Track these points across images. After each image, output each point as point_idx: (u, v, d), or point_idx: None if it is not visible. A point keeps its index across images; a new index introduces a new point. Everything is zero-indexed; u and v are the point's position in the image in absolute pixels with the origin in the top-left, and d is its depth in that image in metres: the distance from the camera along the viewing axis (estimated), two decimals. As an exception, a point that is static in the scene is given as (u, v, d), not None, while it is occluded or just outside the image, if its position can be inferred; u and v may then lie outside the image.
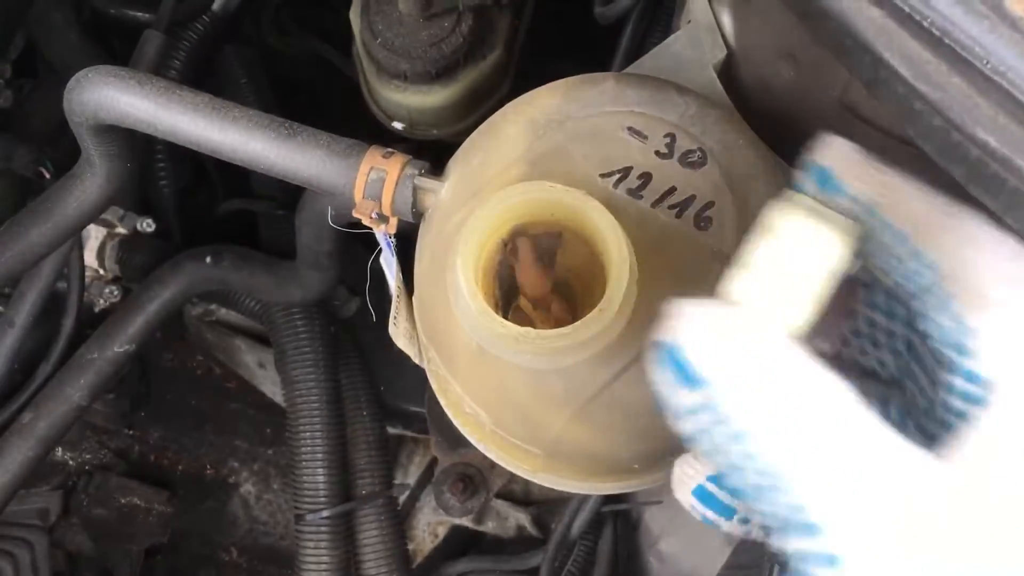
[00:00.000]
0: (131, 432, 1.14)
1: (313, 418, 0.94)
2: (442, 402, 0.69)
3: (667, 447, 0.56)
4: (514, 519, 1.00)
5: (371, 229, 0.69)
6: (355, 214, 0.58)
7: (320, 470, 0.94)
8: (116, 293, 1.03)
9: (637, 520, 0.94)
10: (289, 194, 1.00)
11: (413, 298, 0.64)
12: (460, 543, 1.07)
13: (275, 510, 1.15)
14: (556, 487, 0.70)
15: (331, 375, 0.96)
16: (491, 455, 0.70)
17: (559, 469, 0.65)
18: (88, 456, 1.11)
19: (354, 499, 0.95)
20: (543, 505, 1.02)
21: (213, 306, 1.12)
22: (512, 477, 1.00)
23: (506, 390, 0.56)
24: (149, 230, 1.03)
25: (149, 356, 1.15)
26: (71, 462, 1.11)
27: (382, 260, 0.79)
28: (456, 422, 0.69)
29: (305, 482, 0.94)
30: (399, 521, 0.98)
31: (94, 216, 0.68)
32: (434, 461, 1.07)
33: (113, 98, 0.58)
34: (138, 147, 0.67)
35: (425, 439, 1.08)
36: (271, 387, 1.12)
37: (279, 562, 1.15)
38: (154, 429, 1.15)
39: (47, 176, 0.87)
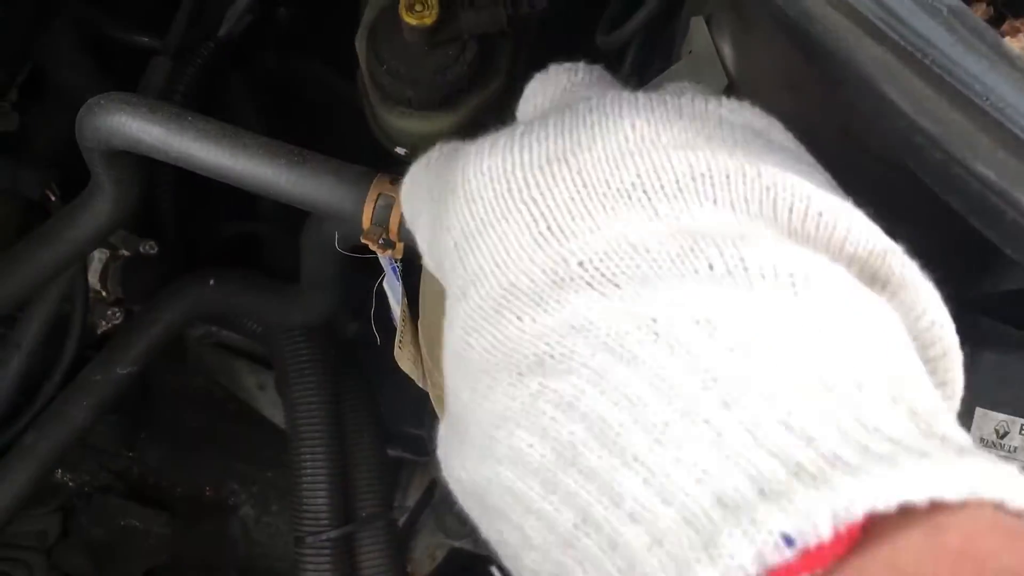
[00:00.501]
0: (131, 454, 1.14)
1: (314, 440, 0.94)
2: (446, 425, 0.70)
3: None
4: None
5: (376, 254, 0.70)
6: (363, 240, 0.59)
7: (321, 492, 0.94)
8: (119, 315, 1.04)
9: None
10: (292, 216, 1.01)
11: (418, 322, 0.65)
12: (459, 566, 1.08)
13: (274, 532, 1.15)
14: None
15: (332, 397, 0.96)
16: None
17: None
18: (87, 478, 1.11)
19: (354, 521, 0.96)
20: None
21: (214, 328, 1.13)
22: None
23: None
24: (152, 252, 1.04)
25: (149, 378, 1.15)
26: (71, 484, 1.11)
27: (386, 285, 0.79)
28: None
29: (306, 504, 0.94)
30: (399, 543, 0.98)
31: (102, 239, 0.69)
32: (433, 483, 1.08)
33: (125, 124, 0.59)
34: (146, 171, 0.68)
35: (425, 461, 1.09)
36: (271, 409, 1.12)
37: (277, 584, 1.15)
38: (154, 451, 1.15)
39: (53, 199, 0.88)
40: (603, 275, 0.27)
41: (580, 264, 0.28)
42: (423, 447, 1.05)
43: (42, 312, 0.81)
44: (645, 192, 0.29)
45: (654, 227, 0.28)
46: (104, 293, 1.05)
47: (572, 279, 0.28)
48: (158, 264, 1.04)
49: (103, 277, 1.04)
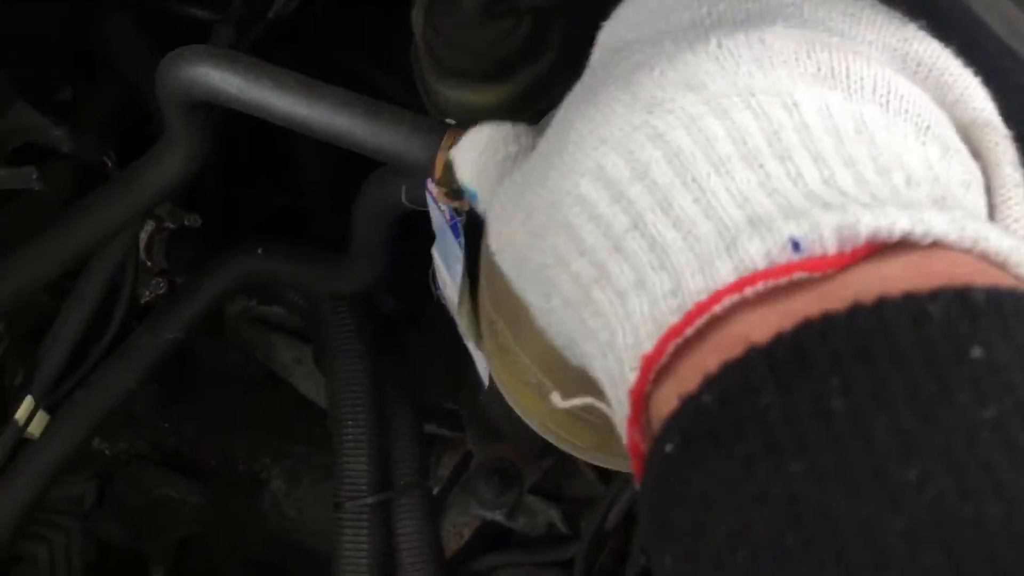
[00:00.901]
0: (167, 425, 1.16)
1: (356, 407, 0.96)
2: (500, 381, 0.72)
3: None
4: (545, 515, 1.03)
5: (434, 212, 0.73)
6: (434, 187, 0.62)
7: (362, 458, 0.96)
8: (162, 285, 1.05)
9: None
10: (336, 191, 1.03)
11: (481, 277, 0.67)
12: (486, 543, 1.09)
13: (304, 507, 1.16)
14: (607, 465, 0.72)
15: (374, 366, 0.98)
16: (547, 434, 0.72)
17: (615, 442, 0.68)
18: (124, 446, 1.13)
19: (392, 489, 0.98)
20: (574, 503, 1.04)
21: (252, 303, 1.15)
22: (545, 473, 1.02)
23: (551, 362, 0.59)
24: (196, 225, 1.06)
25: (187, 351, 1.17)
26: (107, 451, 1.12)
27: (436, 250, 0.82)
28: (514, 400, 0.72)
29: (346, 470, 0.96)
30: (434, 513, 1.00)
31: (171, 194, 0.72)
32: (463, 460, 1.09)
33: (207, 75, 0.62)
34: (217, 128, 0.70)
35: (455, 438, 1.10)
36: (306, 383, 1.14)
37: (307, 559, 1.17)
38: (189, 423, 1.17)
39: (110, 164, 0.90)
40: (730, 54, 0.32)
41: (718, 45, 0.33)
42: (457, 422, 1.07)
43: (104, 267, 0.83)
44: (803, 13, 0.34)
45: (791, 33, 0.33)
46: (148, 263, 1.07)
47: (707, 52, 0.33)
48: (202, 237, 1.06)
49: (148, 248, 1.07)
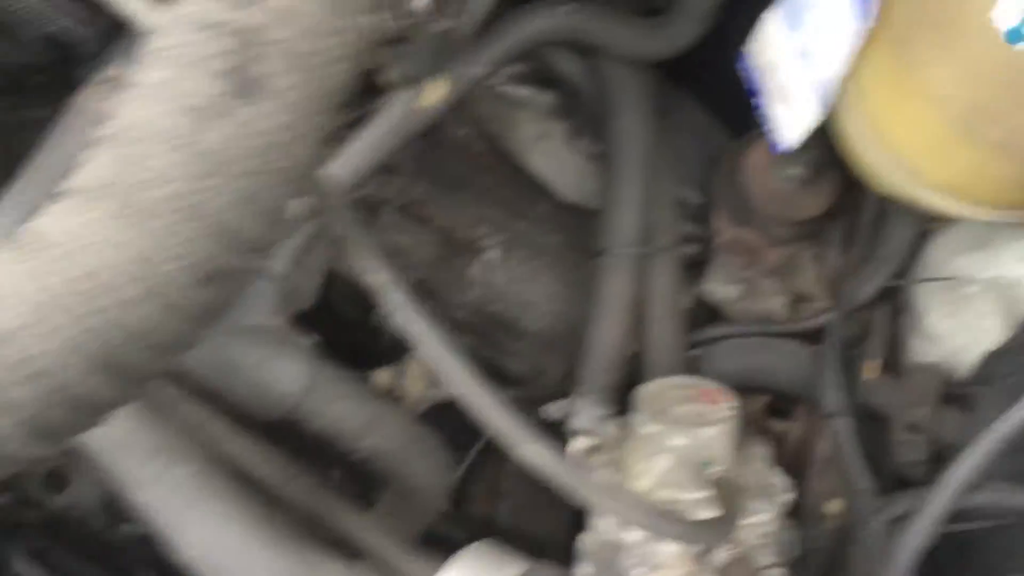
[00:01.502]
0: (403, 178, 1.22)
1: (633, 163, 1.04)
2: (872, 116, 0.79)
3: None
4: (771, 300, 1.10)
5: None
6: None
7: (631, 211, 1.04)
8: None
9: (901, 305, 1.05)
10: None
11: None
12: (701, 319, 1.17)
13: (511, 279, 1.24)
14: (943, 209, 0.81)
15: (653, 134, 1.06)
16: (899, 171, 0.79)
17: (968, 184, 0.76)
18: (368, 192, 1.19)
19: (652, 246, 1.06)
20: (792, 297, 1.12)
21: (497, 80, 1.22)
22: (780, 261, 1.10)
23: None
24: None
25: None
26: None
27: (776, 13, 0.88)
28: (881, 133, 0.79)
29: (615, 220, 1.05)
30: (683, 277, 1.09)
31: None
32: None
33: None
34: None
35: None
36: (544, 161, 1.21)
37: (504, 328, 1.25)
38: (418, 183, 1.23)
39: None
40: None
41: None
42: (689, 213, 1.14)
43: None
44: None
45: None
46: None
47: None
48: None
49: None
